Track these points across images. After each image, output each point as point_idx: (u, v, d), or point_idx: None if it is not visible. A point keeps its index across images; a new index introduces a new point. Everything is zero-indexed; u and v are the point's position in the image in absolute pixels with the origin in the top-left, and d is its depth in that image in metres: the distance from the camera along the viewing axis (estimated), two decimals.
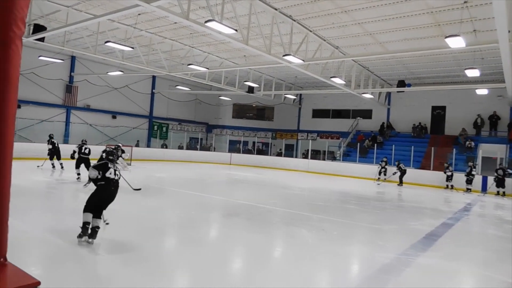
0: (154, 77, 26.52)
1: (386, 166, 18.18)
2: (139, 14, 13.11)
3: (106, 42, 13.49)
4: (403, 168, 17.79)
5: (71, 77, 22.15)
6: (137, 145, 23.89)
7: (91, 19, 11.77)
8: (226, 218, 7.84)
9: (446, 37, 9.98)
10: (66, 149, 13.65)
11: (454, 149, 19.14)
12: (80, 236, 4.88)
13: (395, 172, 17.68)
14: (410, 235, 7.07)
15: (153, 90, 26.89)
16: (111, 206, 5.27)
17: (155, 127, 26.99)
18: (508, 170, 15.62)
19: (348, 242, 6.41)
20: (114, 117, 24.45)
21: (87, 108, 23.10)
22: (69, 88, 21.98)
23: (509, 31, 9.12)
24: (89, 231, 4.90)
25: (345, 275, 4.87)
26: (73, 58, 22.03)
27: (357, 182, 17.54)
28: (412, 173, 18.24)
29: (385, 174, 18.07)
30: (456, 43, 10.04)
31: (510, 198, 15.17)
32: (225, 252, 5.33)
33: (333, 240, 6.37)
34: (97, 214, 5.03)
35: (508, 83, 14.73)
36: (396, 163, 18.02)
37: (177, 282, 4.21)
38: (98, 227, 4.98)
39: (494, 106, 20.75)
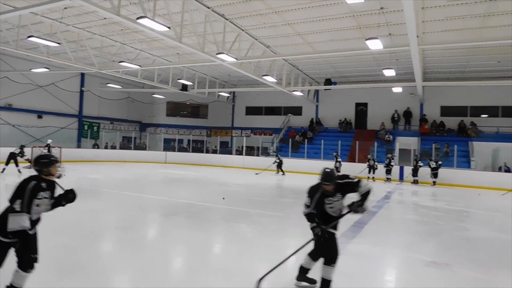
0: (83, 75, 24.87)
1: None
2: (65, 8, 12.20)
3: (29, 37, 12.29)
4: (280, 159, 19.67)
5: None
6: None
7: (11, 11, 10.66)
8: (165, 217, 7.74)
9: (367, 39, 10.88)
10: None
11: (376, 143, 20.89)
12: None
13: (275, 162, 19.44)
14: (340, 224, 7.63)
15: (82, 88, 25.22)
16: (45, 214, 4.95)
17: (86, 127, 25.44)
18: (420, 162, 17.56)
19: (283, 234, 6.75)
20: (40, 116, 22.62)
21: (9, 108, 21.16)
22: None
23: (417, 36, 10.26)
24: None
25: (282, 266, 5.15)
26: None
27: (292, 176, 18.28)
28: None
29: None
30: (375, 45, 10.98)
31: (423, 185, 17.06)
32: (166, 252, 5.32)
33: (270, 234, 6.68)
34: None
35: (418, 82, 16.53)
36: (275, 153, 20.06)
37: (119, 286, 4.14)
38: None
39: (407, 103, 23.02)
